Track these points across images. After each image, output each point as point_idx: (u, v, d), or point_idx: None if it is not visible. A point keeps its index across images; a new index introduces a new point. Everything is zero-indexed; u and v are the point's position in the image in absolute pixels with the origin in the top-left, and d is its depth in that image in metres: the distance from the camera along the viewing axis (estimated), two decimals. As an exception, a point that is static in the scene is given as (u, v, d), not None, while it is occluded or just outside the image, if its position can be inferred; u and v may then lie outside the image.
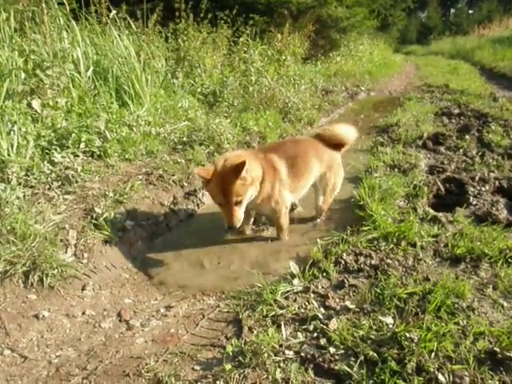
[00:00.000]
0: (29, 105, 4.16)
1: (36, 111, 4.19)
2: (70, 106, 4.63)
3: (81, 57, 5.03)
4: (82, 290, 2.74)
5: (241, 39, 8.28)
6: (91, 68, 5.15)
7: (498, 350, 1.99)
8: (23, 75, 4.26)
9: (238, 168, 2.88)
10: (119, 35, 5.68)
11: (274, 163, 3.36)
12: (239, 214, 3.03)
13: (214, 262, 3.22)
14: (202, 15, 7.88)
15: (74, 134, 4.10)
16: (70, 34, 5.28)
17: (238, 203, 3.00)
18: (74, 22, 5.32)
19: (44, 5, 4.76)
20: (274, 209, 3.39)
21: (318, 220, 3.90)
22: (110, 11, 6.04)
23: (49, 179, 3.57)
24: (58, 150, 3.92)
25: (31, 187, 3.41)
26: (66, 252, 2.87)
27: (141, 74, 5.53)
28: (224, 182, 2.94)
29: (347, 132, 3.96)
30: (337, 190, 3.94)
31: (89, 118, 4.45)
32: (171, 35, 7.62)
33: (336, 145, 3.89)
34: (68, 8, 5.46)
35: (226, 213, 3.02)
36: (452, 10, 55.49)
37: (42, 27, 4.75)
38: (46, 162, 3.72)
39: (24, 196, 3.23)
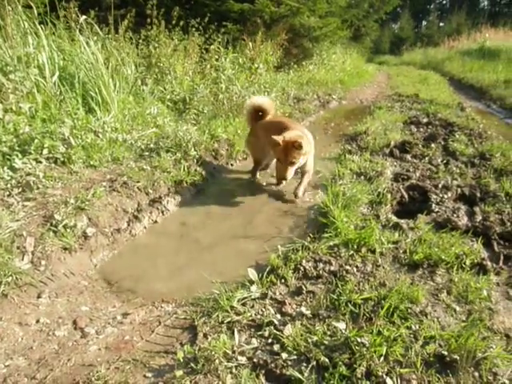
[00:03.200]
0: (-10, 110, 4.09)
1: (-3, 116, 4.12)
2: (34, 111, 4.56)
3: (46, 62, 4.96)
4: (38, 297, 2.69)
5: (212, 47, 8.30)
6: (57, 73, 5.08)
7: (445, 353, 2.03)
8: (-16, 79, 4.19)
9: (300, 143, 4.12)
10: (87, 41, 5.62)
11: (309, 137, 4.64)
12: (290, 171, 4.30)
13: (175, 269, 3.20)
14: (174, 22, 7.86)
15: (36, 140, 4.03)
16: (35, 39, 5.20)
17: (292, 164, 4.23)
18: (39, 27, 5.25)
19: (8, 7, 4.69)
20: (309, 170, 4.69)
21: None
22: (79, 17, 5.98)
23: (8, 185, 3.50)
24: (20, 155, 3.86)
25: (-11, 193, 3.34)
26: (22, 259, 2.82)
27: (109, 80, 5.49)
28: (288, 149, 4.17)
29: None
30: None
31: (53, 124, 4.39)
32: (142, 42, 7.58)
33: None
34: (36, 12, 5.39)
35: (282, 168, 4.31)
36: (424, 22, 56.81)
37: (6, 31, 4.67)
38: (6, 168, 3.65)
39: (-19, 202, 3.17)
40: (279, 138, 4.18)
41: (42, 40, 5.11)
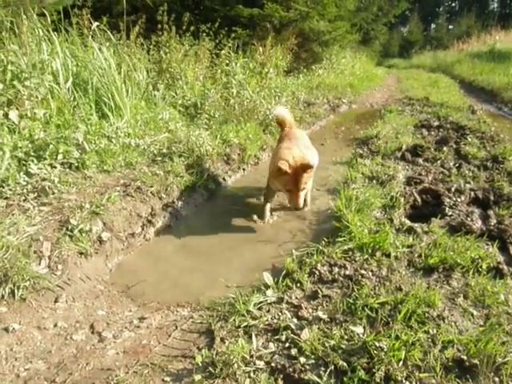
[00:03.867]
0: (6, 115, 4.13)
1: (13, 122, 4.16)
2: (49, 117, 4.61)
3: (60, 68, 5.01)
4: (55, 301, 2.71)
5: (223, 52, 8.33)
6: (70, 79, 5.13)
7: (465, 357, 2.02)
8: (0, 86, 4.22)
9: (309, 166, 3.67)
10: (100, 47, 5.68)
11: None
12: (303, 197, 3.89)
13: (189, 274, 3.21)
14: (184, 28, 7.92)
15: (51, 146, 4.07)
16: (49, 46, 5.26)
17: (304, 190, 3.81)
18: (53, 34, 5.31)
19: (23, 15, 4.75)
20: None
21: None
22: (91, 23, 6.05)
23: (24, 190, 3.53)
24: (35, 161, 3.89)
25: (6, 198, 3.37)
26: (39, 264, 2.84)
27: (121, 85, 5.53)
28: (297, 175, 3.67)
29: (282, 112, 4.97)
30: None
31: (67, 130, 4.43)
32: (153, 47, 7.63)
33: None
34: (49, 19, 5.45)
35: (294, 197, 3.77)
36: (433, 25, 56.56)
37: (21, 38, 4.73)
38: (22, 174, 3.69)
39: (-2, 207, 3.21)
40: (284, 164, 3.68)
41: (55, 47, 5.17)
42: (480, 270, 2.88)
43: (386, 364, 1.95)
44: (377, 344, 2.08)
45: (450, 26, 49.60)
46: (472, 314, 2.44)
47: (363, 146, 6.69)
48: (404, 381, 1.87)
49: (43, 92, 4.58)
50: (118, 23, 6.74)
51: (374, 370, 1.93)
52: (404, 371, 1.93)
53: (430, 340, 2.16)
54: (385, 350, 2.04)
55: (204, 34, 8.26)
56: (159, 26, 7.55)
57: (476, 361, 1.98)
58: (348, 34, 14.68)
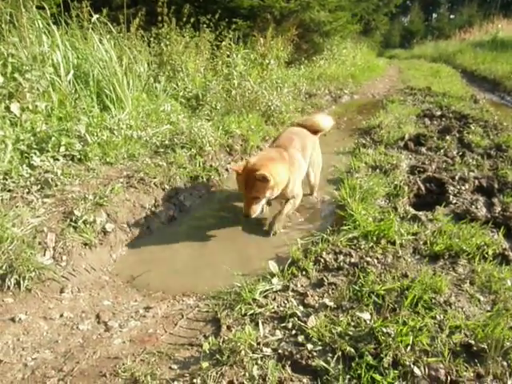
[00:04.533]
0: (7, 108, 4.12)
1: (15, 115, 4.15)
2: (50, 109, 4.59)
3: (61, 60, 4.99)
4: (61, 292, 2.71)
5: (223, 43, 8.28)
6: (72, 72, 5.10)
7: (473, 342, 2.01)
8: (1, 79, 4.20)
9: (263, 175, 3.33)
10: (100, 39, 5.65)
11: (297, 159, 3.93)
12: (256, 207, 3.50)
13: (194, 264, 3.21)
14: (184, 19, 7.85)
15: (53, 138, 4.06)
16: (49, 38, 5.23)
17: (257, 199, 3.47)
18: (53, 26, 5.28)
19: (23, 8, 4.72)
20: (294, 191, 3.86)
21: (315, 194, 4.47)
22: (92, 16, 6.01)
23: (28, 183, 3.53)
24: (38, 153, 3.89)
25: (9, 191, 3.36)
26: (44, 255, 2.84)
27: (122, 77, 5.51)
28: (249, 179, 3.40)
29: (324, 121, 4.64)
30: (321, 166, 4.57)
31: (69, 122, 4.41)
32: (154, 39, 7.59)
33: (315, 131, 4.47)
34: (48, 12, 5.42)
35: (245, 203, 3.53)
36: (434, 15, 56.14)
37: (21, 30, 4.71)
38: (24, 166, 3.68)
39: (2, 199, 3.20)
40: (239, 165, 3.55)
41: (56, 39, 5.14)
42: (486, 256, 2.87)
43: (393, 349, 1.94)
44: (384, 330, 2.08)
45: (452, 16, 49.25)
46: (479, 300, 2.43)
47: (366, 135, 6.66)
48: (412, 365, 1.87)
49: (44, 84, 4.55)
50: (118, 16, 6.70)
51: (381, 356, 1.92)
52: (412, 356, 1.92)
53: (437, 325, 2.15)
54: (392, 335, 2.04)
55: (204, 26, 8.20)
56: (159, 18, 7.49)
57: (484, 345, 1.97)
58: (349, 24, 14.59)
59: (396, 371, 1.85)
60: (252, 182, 3.39)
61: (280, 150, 3.88)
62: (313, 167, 4.35)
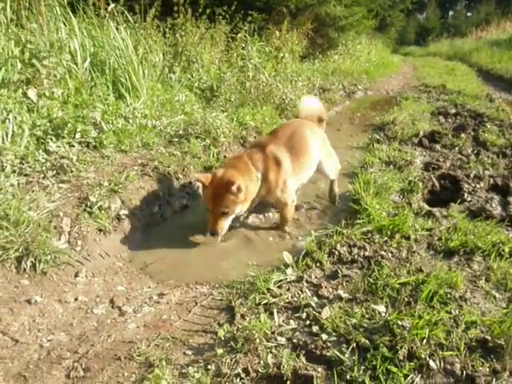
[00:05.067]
0: (25, 94, 4.13)
1: (32, 101, 4.16)
2: (67, 96, 4.60)
3: (78, 48, 5.00)
4: (75, 276, 2.73)
5: (239, 35, 8.26)
6: (88, 59, 5.12)
7: (489, 338, 2.00)
8: (19, 65, 4.22)
9: (230, 188, 3.04)
10: (117, 28, 5.66)
11: (276, 157, 3.42)
12: (223, 223, 3.18)
13: (206, 253, 3.22)
14: (200, 11, 7.82)
15: (69, 124, 4.07)
16: (67, 26, 5.25)
17: (224, 214, 3.16)
18: (71, 14, 5.29)
19: (42, -5, 4.74)
20: (280, 200, 3.47)
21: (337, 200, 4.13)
22: (108, 4, 6.02)
23: (43, 168, 3.54)
24: (54, 139, 3.90)
25: (26, 175, 3.38)
26: (59, 239, 2.86)
27: (138, 67, 5.51)
28: (215, 193, 3.11)
29: (313, 104, 4.23)
30: (337, 160, 4.21)
31: (85, 109, 4.42)
32: (169, 30, 7.57)
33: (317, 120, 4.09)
34: (66, 0, 5.44)
35: (210, 220, 3.19)
36: (450, 13, 55.53)
37: (39, 17, 4.72)
38: (41, 151, 3.70)
39: (18, 184, 3.21)
40: (206, 176, 3.23)
41: (73, 27, 5.16)
42: (502, 253, 2.84)
43: (409, 342, 1.93)
44: (399, 323, 2.07)
45: (469, 14, 48.71)
46: (494, 297, 2.41)
47: (379, 131, 6.63)
48: (428, 358, 1.86)
49: (61, 71, 4.57)
50: (134, 6, 6.71)
51: (397, 348, 1.91)
52: (427, 349, 1.91)
53: (452, 320, 2.14)
54: (407, 328, 2.03)
55: (220, 17, 8.18)
56: (175, 8, 7.47)
57: (501, 341, 1.96)
58: (364, 19, 14.51)
59: (411, 364, 1.84)
60: (220, 195, 3.08)
61: (253, 154, 3.45)
62: (327, 160, 3.97)
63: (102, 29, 5.88)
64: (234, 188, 3.03)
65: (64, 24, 5.23)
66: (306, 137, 3.71)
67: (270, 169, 3.38)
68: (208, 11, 7.97)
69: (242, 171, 3.24)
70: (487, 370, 1.85)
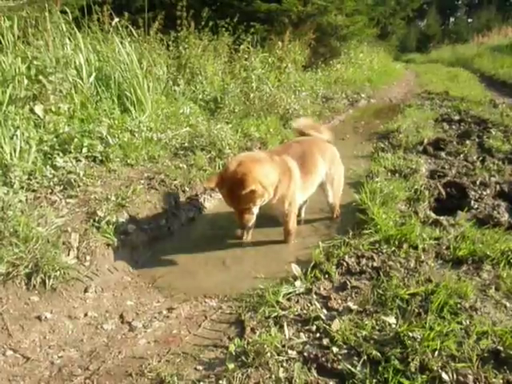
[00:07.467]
0: (31, 110, 4.18)
1: (38, 116, 4.21)
2: (73, 111, 4.65)
3: (83, 63, 5.06)
4: (85, 292, 2.74)
5: (241, 47, 8.31)
6: (93, 74, 5.18)
7: (501, 348, 1.99)
8: (26, 81, 4.28)
9: (244, 187, 2.83)
10: (121, 42, 5.71)
11: (289, 165, 3.35)
12: (249, 217, 3.10)
13: (215, 266, 3.22)
14: (203, 23, 7.92)
15: (76, 139, 4.11)
16: (72, 41, 5.31)
17: (247, 209, 3.05)
18: (76, 30, 5.36)
19: (47, 12, 4.79)
20: (286, 211, 3.39)
21: (335, 215, 3.96)
22: (113, 19, 6.09)
23: (51, 183, 3.57)
24: (61, 154, 3.93)
25: (33, 191, 3.41)
26: (68, 255, 2.87)
27: (143, 80, 5.56)
28: (233, 191, 2.93)
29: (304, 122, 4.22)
30: (341, 185, 4.01)
31: (91, 124, 4.47)
32: (172, 43, 7.64)
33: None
34: (70, 16, 5.51)
35: (237, 216, 3.14)
36: (451, 19, 55.72)
37: (45, 34, 4.78)
38: (48, 167, 3.73)
39: (26, 199, 3.24)
40: (210, 179, 3.12)
41: (79, 42, 5.22)
42: (511, 262, 2.83)
43: (420, 354, 1.92)
44: (410, 334, 2.06)
45: (470, 20, 48.83)
46: (505, 306, 2.40)
47: (384, 140, 6.63)
48: (440, 370, 1.85)
49: (67, 87, 4.62)
50: (137, 20, 6.78)
51: (408, 360, 1.91)
52: (439, 361, 1.90)
53: (463, 331, 2.13)
54: (419, 340, 2.02)
55: (223, 29, 8.25)
56: (178, 21, 7.55)
57: (513, 352, 1.95)
58: (366, 28, 14.58)
59: (424, 376, 1.83)
60: (237, 193, 2.89)
61: (270, 152, 3.49)
62: (331, 184, 3.81)
63: (107, 43, 5.94)
64: (247, 190, 2.84)
65: (69, 40, 5.30)
66: (316, 157, 3.64)
67: (284, 174, 3.26)
68: (211, 23, 8.06)
69: (257, 160, 3.10)
70: (500, 381, 1.84)
